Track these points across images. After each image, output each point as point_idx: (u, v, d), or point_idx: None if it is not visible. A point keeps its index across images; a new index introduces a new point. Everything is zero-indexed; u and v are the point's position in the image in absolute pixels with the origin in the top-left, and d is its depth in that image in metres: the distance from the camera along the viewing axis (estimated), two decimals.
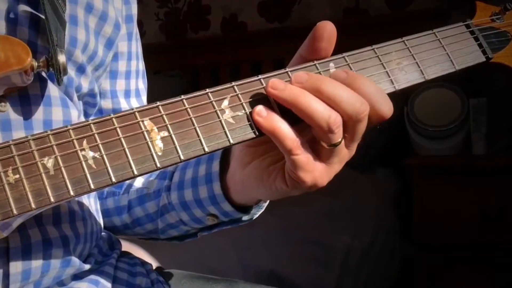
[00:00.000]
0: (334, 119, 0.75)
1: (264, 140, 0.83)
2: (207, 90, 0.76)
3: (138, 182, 1.12)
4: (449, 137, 3.16)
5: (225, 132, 0.75)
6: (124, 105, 1.11)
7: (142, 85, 1.17)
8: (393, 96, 0.85)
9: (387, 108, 0.80)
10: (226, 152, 0.97)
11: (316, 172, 0.79)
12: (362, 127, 0.79)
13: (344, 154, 0.81)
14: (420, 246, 3.14)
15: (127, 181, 0.95)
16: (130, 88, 1.13)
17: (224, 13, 4.31)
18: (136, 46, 1.14)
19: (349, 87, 0.77)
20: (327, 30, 0.81)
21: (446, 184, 3.08)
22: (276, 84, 0.77)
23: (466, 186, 3.04)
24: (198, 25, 4.40)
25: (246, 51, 3.98)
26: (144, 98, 1.17)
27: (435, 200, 3.09)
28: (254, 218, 1.05)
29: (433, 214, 3.10)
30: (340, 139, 0.78)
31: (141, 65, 1.17)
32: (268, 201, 1.01)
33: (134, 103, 1.13)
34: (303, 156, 0.77)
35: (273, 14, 4.11)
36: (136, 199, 1.10)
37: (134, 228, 1.12)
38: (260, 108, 0.76)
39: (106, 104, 1.10)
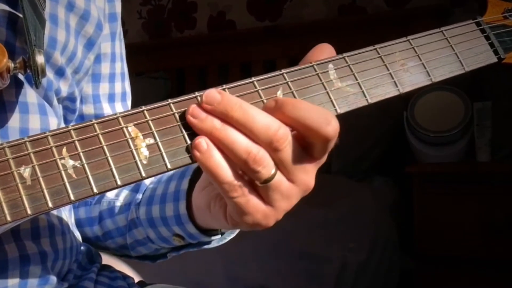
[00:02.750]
0: (254, 155, 0.72)
1: None
2: (196, 94, 0.76)
3: (111, 193, 1.11)
4: (451, 143, 3.16)
5: None
6: (107, 110, 1.11)
7: (128, 88, 1.16)
8: (391, 99, 0.84)
9: (329, 128, 0.74)
10: (197, 170, 0.96)
11: (258, 214, 0.77)
12: (286, 156, 0.75)
13: (287, 189, 0.77)
14: (420, 259, 3.14)
15: None
16: (114, 92, 1.12)
17: (212, 11, 4.31)
18: (120, 47, 1.14)
19: (275, 113, 0.74)
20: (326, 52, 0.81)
21: (448, 193, 3.09)
22: (196, 112, 0.74)
23: (470, 195, 3.05)
24: (183, 23, 4.41)
25: (235, 51, 3.98)
26: (129, 102, 1.16)
27: (437, 210, 3.10)
28: (224, 242, 1.04)
29: (434, 225, 3.10)
30: (269, 175, 0.74)
31: (125, 67, 1.16)
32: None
33: (119, 108, 1.13)
34: (241, 199, 0.75)
35: (263, 12, 4.12)
36: (107, 210, 1.10)
37: (106, 241, 1.11)
38: (200, 141, 0.72)
39: (88, 109, 1.09)
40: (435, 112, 3.11)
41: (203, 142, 0.72)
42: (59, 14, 0.92)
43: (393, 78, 0.85)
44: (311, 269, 2.50)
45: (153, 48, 4.36)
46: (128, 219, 1.06)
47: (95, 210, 1.11)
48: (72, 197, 0.67)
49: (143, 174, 0.70)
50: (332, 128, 0.73)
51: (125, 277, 1.11)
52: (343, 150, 3.34)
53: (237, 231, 1.01)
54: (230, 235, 1.02)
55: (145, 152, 0.71)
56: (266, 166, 0.73)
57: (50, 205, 0.66)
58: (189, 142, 0.73)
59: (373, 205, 3.09)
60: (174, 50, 4.25)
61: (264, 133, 0.72)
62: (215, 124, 0.73)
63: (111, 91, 1.11)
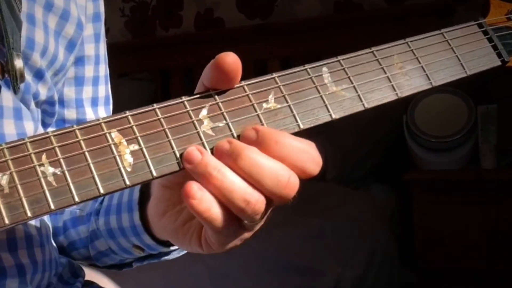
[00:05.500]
0: (253, 205, 0.72)
1: (182, 182, 0.82)
2: (183, 98, 0.76)
3: None
4: (454, 149, 3.17)
5: (203, 144, 0.75)
6: (90, 115, 1.11)
7: (110, 91, 1.16)
8: (390, 102, 0.85)
9: (314, 166, 0.74)
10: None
11: (240, 241, 0.78)
12: (289, 201, 0.75)
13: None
14: (421, 272, 3.14)
15: None
16: (98, 95, 1.12)
17: (199, 8, 4.31)
18: (104, 48, 1.14)
19: (256, 146, 0.73)
20: (227, 63, 0.81)
21: (451, 202, 3.09)
22: (192, 156, 0.72)
23: (474, 204, 3.05)
24: (168, 21, 4.40)
25: (223, 51, 3.94)
26: (111, 107, 1.16)
27: (438, 220, 3.10)
28: (184, 253, 1.04)
29: (435, 236, 3.10)
30: (262, 216, 0.75)
31: (107, 69, 1.16)
32: None
33: (102, 112, 1.13)
34: (229, 231, 0.75)
35: (254, 9, 4.12)
36: (70, 220, 1.10)
37: (71, 252, 1.11)
38: (192, 187, 0.71)
39: (70, 114, 1.09)
40: (437, 115, 3.11)
41: (195, 186, 0.71)
42: (36, 14, 0.93)
43: (390, 82, 0.85)
44: (305, 283, 2.51)
45: (137, 47, 4.35)
46: (89, 230, 1.06)
47: (60, 220, 1.11)
48: (52, 206, 0.66)
49: (127, 182, 0.70)
50: (317, 165, 0.74)
51: None
52: (339, 156, 3.34)
53: None
54: None
55: (129, 159, 0.71)
56: (262, 212, 0.73)
57: (29, 214, 0.65)
58: (175, 148, 0.73)
59: (370, 215, 3.10)
60: (159, 50, 4.25)
61: (274, 185, 0.72)
62: (209, 169, 0.71)
63: (94, 94, 1.12)
